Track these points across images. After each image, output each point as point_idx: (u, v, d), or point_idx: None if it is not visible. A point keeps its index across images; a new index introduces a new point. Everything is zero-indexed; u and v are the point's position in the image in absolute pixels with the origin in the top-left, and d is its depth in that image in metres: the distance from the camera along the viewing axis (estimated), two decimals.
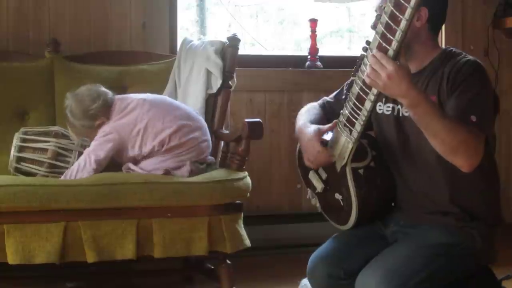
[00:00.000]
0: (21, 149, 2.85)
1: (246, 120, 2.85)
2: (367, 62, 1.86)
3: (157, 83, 3.28)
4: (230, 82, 3.19)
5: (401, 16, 1.74)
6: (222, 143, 3.12)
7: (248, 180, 2.82)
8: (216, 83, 3.17)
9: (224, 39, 3.21)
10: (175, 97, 3.23)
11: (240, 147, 2.86)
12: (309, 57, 3.83)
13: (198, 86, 3.18)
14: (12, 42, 3.37)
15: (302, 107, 2.29)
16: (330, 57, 3.90)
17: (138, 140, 2.81)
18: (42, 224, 2.51)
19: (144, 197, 2.60)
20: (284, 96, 3.76)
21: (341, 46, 4.39)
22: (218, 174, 2.79)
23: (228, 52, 3.18)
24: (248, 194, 2.82)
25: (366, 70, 1.86)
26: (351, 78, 1.99)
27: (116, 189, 2.60)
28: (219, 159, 3.07)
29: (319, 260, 2.18)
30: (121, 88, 3.25)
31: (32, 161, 2.85)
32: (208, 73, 3.19)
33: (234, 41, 3.17)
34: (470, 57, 2.04)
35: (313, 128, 2.20)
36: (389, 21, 1.78)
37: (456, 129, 1.86)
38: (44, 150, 2.85)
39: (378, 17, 1.83)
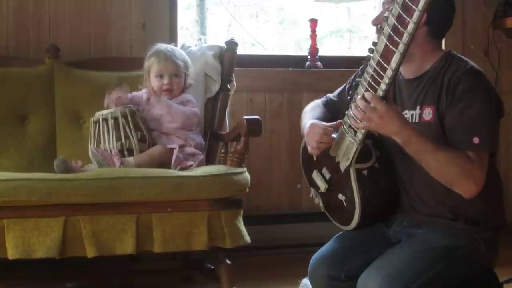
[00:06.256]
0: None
1: (245, 117, 2.85)
2: (373, 64, 1.87)
3: None
4: (229, 86, 3.20)
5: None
6: (220, 144, 3.12)
7: (247, 175, 2.82)
8: (215, 86, 3.19)
9: (222, 44, 3.23)
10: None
11: (239, 145, 2.85)
12: (309, 57, 3.82)
13: (197, 90, 3.18)
14: (12, 48, 3.37)
15: (302, 107, 2.28)
16: (330, 57, 3.90)
17: None
18: (42, 219, 2.51)
19: (144, 191, 2.60)
20: (284, 96, 3.76)
21: (341, 46, 4.41)
22: (217, 168, 2.80)
23: (226, 56, 3.20)
24: (247, 189, 2.81)
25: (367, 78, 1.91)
26: (357, 79, 1.98)
27: (116, 183, 2.59)
28: (218, 160, 3.07)
29: (320, 261, 2.17)
30: None
31: (123, 135, 2.85)
32: (207, 77, 3.20)
33: (232, 45, 3.19)
34: (471, 64, 2.02)
35: (318, 122, 2.22)
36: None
37: (451, 163, 1.90)
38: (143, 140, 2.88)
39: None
